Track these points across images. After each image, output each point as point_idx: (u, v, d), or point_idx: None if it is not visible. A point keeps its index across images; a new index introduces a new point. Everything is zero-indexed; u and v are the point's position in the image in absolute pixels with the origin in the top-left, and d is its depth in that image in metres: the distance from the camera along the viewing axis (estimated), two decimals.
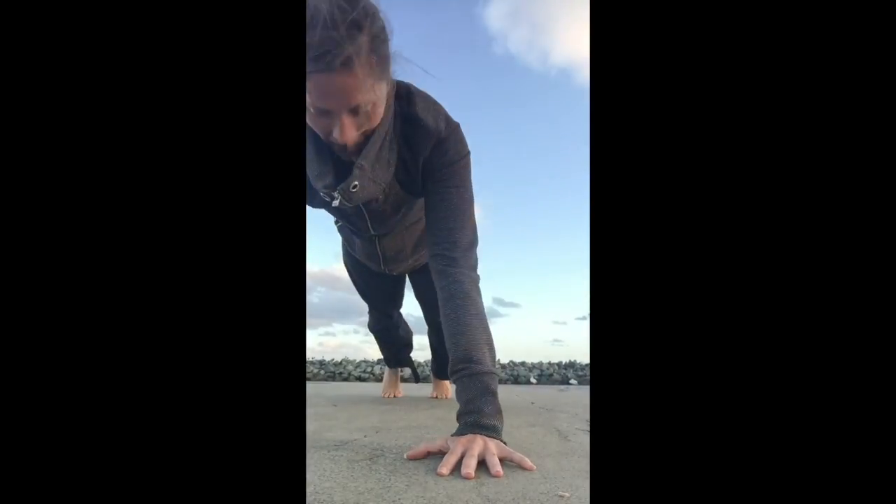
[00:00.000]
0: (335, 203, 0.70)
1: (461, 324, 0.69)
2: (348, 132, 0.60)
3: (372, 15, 0.55)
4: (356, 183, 0.68)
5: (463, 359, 0.67)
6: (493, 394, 0.65)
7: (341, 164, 0.69)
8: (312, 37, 0.52)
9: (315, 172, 0.70)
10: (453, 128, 0.75)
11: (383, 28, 0.58)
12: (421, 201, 0.83)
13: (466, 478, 0.52)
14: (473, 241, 0.76)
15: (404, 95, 0.72)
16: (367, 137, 0.65)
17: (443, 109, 0.75)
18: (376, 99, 0.60)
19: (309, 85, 0.55)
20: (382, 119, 0.65)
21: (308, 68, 0.53)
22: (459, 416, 0.65)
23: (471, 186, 0.77)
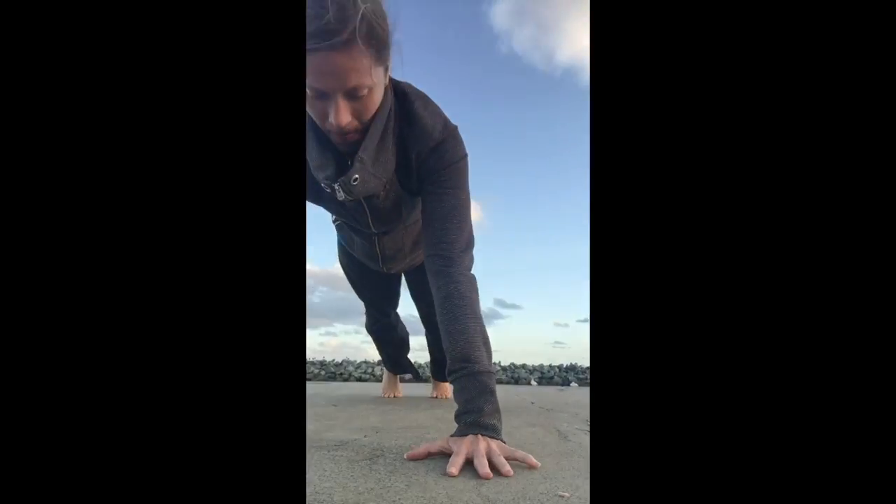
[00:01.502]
0: (339, 196, 0.70)
1: (458, 323, 0.69)
2: (343, 115, 0.60)
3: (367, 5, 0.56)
4: (356, 176, 0.68)
5: (460, 358, 0.67)
6: (492, 392, 0.65)
7: (341, 156, 0.69)
8: (310, 13, 0.52)
9: (316, 163, 0.70)
10: (451, 130, 0.75)
11: (383, 13, 0.58)
12: (419, 201, 0.84)
13: (485, 477, 0.52)
14: (470, 243, 0.76)
15: (403, 95, 0.72)
16: (365, 130, 0.65)
17: (441, 111, 0.75)
18: (373, 84, 0.60)
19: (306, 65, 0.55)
20: (380, 110, 0.65)
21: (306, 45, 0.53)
22: (458, 417, 0.65)
23: (468, 188, 0.77)
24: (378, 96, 0.63)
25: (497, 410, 0.65)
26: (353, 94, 0.59)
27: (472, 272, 0.75)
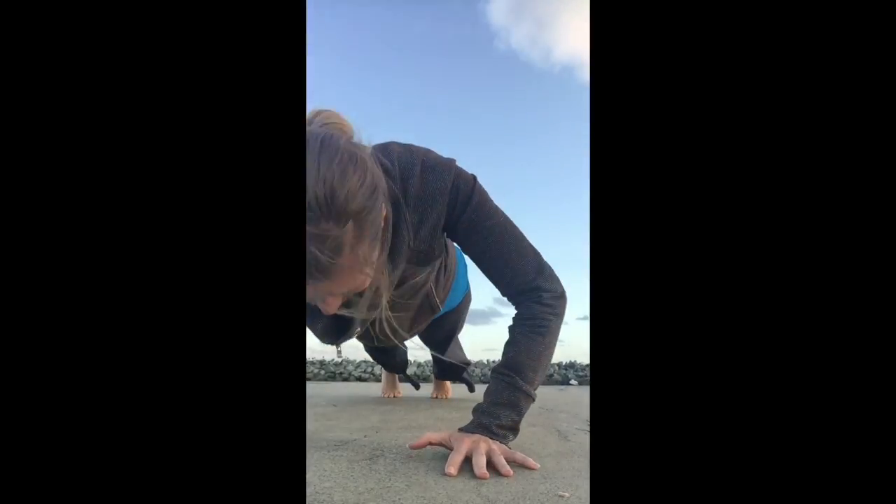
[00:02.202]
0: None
1: (535, 343, 0.65)
2: (332, 308, 0.55)
3: (353, 193, 0.47)
4: (359, 329, 0.65)
5: (514, 368, 0.64)
6: (519, 413, 0.63)
7: (336, 317, 0.63)
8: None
9: (310, 321, 0.67)
10: (453, 171, 0.66)
11: (373, 196, 0.50)
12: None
13: (482, 478, 0.52)
14: (540, 261, 0.69)
15: (395, 173, 0.63)
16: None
17: (435, 159, 0.66)
18: (366, 277, 0.53)
19: None
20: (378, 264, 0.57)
21: None
22: (476, 412, 0.63)
23: (498, 207, 0.69)
24: (374, 270, 0.55)
25: (514, 430, 0.63)
26: (344, 294, 0.55)
27: (558, 289, 0.69)
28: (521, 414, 0.64)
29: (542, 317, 0.67)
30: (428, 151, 0.67)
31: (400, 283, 0.73)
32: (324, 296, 0.53)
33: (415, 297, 0.86)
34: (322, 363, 3.20)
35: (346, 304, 0.58)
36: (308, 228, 0.45)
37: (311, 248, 0.46)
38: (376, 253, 0.54)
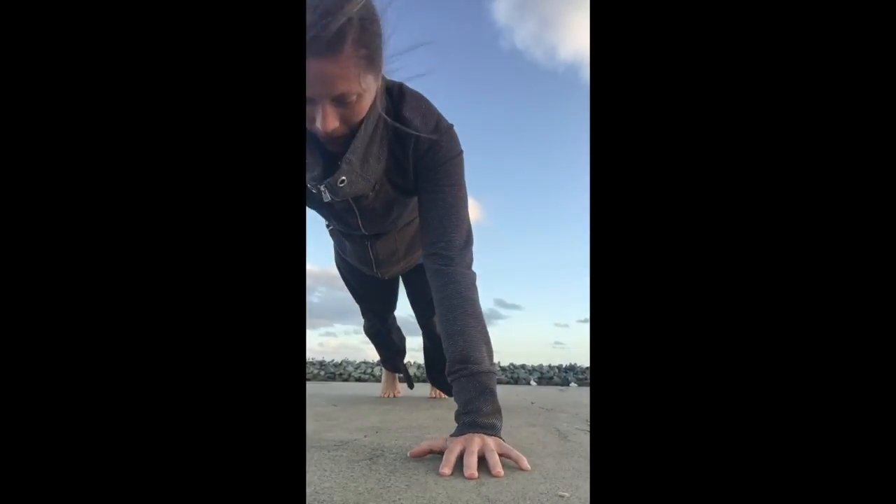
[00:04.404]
0: (325, 198, 0.70)
1: (458, 323, 0.68)
2: (330, 122, 0.59)
3: (363, 4, 0.54)
4: (343, 178, 0.67)
5: (460, 359, 0.66)
6: (492, 392, 0.65)
7: (329, 156, 0.68)
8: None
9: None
10: (445, 128, 0.74)
11: (375, 16, 0.57)
12: (413, 202, 0.83)
13: (470, 478, 0.52)
14: (469, 240, 0.75)
15: (396, 95, 0.71)
16: (354, 132, 0.64)
17: (435, 110, 0.74)
18: (362, 91, 0.59)
19: None
20: (369, 113, 0.64)
21: None
22: (458, 417, 0.64)
23: (464, 185, 0.76)
24: (368, 101, 0.62)
25: (497, 410, 0.64)
26: (340, 101, 0.59)
27: (472, 270, 0.75)
28: (493, 393, 0.65)
29: (466, 296, 0.70)
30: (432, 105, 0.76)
31: (384, 210, 0.82)
32: (322, 93, 0.57)
33: (403, 231, 0.97)
34: (322, 363, 3.20)
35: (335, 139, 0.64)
36: (312, 17, 0.52)
37: (319, 21, 0.51)
38: (371, 79, 0.60)
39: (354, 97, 0.59)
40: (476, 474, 0.52)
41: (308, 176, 0.69)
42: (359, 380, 2.91)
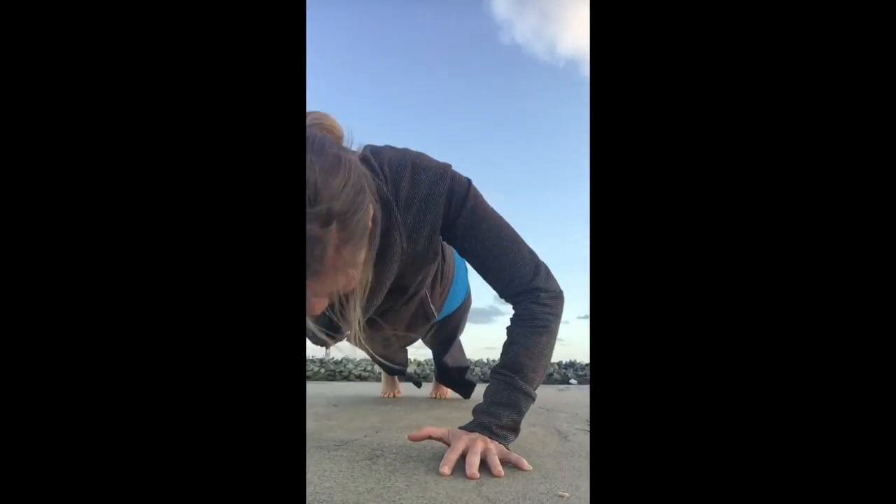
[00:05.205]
0: (329, 347, 0.67)
1: (530, 338, 0.66)
2: (317, 308, 0.53)
3: (337, 194, 0.47)
4: (348, 332, 0.64)
5: (513, 368, 0.64)
6: (519, 412, 0.63)
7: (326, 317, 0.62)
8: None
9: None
10: (447, 174, 0.66)
11: (355, 209, 0.49)
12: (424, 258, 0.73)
13: (472, 478, 0.52)
14: (536, 261, 0.70)
15: (389, 182, 0.63)
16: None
17: (428, 162, 0.66)
18: (350, 277, 0.52)
19: None
20: (369, 250, 0.57)
21: None
22: (476, 412, 0.63)
23: (493, 210, 0.69)
24: (360, 272, 0.54)
25: (514, 429, 0.63)
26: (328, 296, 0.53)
27: (556, 288, 0.69)
28: (521, 414, 0.63)
29: (541, 316, 0.67)
30: (421, 154, 0.67)
31: (393, 287, 0.72)
32: (308, 296, 0.51)
33: (409, 303, 0.85)
34: (322, 362, 3.20)
35: (332, 307, 0.57)
36: None
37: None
38: (363, 254, 0.53)
39: (342, 285, 0.52)
40: (478, 474, 0.52)
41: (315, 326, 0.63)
42: (359, 377, 2.91)
